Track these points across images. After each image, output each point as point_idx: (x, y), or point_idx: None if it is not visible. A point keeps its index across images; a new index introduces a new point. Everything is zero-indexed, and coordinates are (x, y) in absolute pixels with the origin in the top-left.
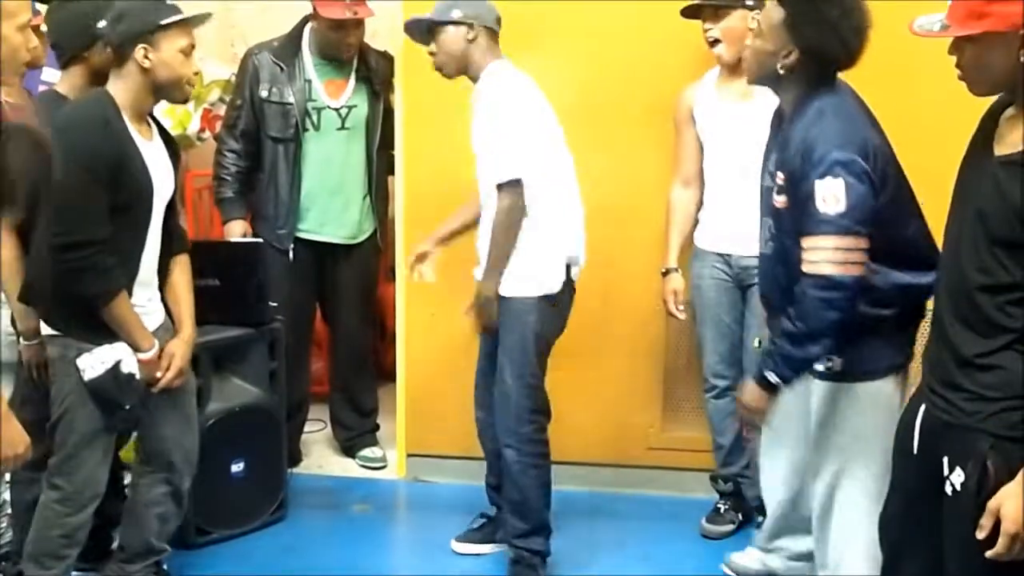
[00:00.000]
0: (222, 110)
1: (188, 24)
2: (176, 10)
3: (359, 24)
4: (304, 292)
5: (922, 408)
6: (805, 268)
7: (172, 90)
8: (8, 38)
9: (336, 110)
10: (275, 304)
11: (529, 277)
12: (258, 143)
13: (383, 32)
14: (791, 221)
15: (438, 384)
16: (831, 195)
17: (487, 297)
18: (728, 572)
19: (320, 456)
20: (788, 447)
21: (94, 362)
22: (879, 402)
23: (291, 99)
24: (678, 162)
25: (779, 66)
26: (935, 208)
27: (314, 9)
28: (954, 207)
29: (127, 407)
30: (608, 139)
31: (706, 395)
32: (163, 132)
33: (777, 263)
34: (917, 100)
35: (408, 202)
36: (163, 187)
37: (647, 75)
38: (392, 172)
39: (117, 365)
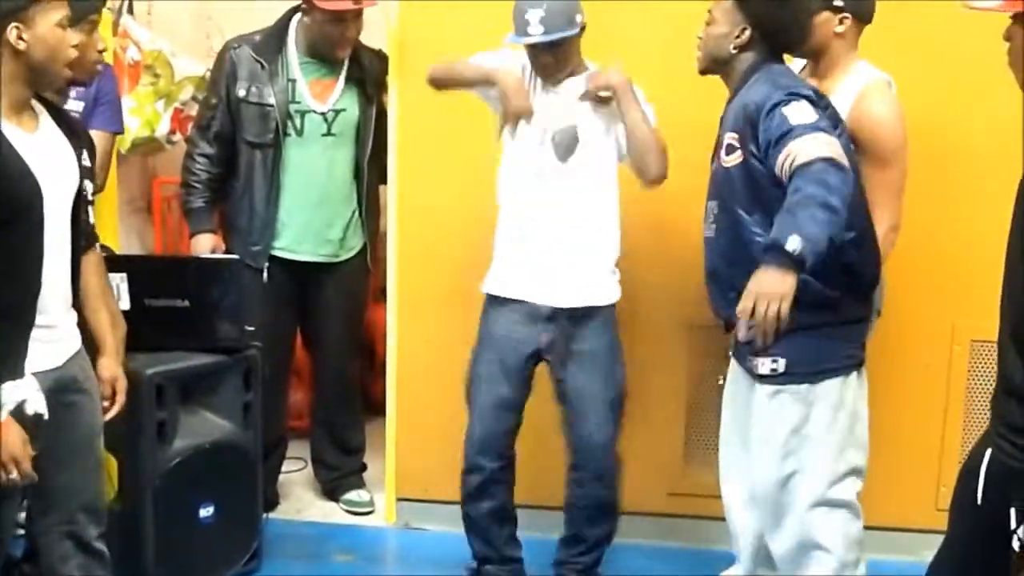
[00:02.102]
0: (195, 110)
1: None
2: None
3: (359, 15)
4: (282, 316)
5: (988, 453)
6: (800, 159)
7: (50, 73)
8: None
9: (322, 114)
10: (251, 329)
11: (615, 280)
12: (233, 147)
13: (374, 24)
14: (742, 179)
15: (433, 420)
16: (800, 111)
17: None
18: None
19: (299, 499)
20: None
21: (2, 402)
22: (829, 402)
23: (271, 100)
24: None
25: (731, 46)
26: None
27: (308, 3)
28: (1012, 236)
29: (33, 453)
30: None
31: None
32: (58, 114)
33: (723, 237)
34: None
35: (401, 215)
36: (60, 181)
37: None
38: (384, 181)
39: (21, 406)
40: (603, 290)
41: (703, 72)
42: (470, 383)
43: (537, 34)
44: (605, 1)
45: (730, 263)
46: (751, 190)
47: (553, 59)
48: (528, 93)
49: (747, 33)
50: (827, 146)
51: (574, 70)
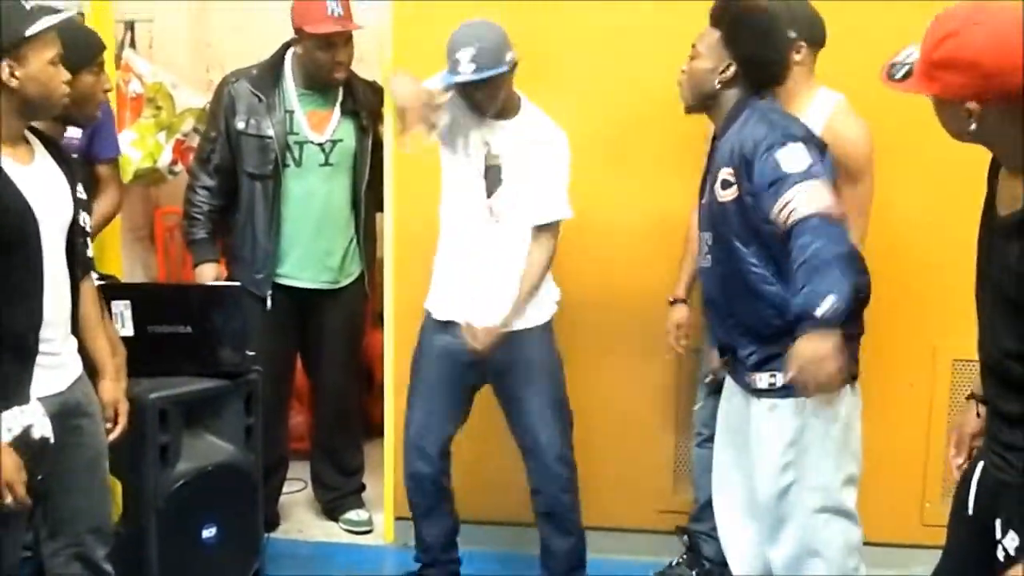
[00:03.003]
0: (196, 141)
1: (55, 30)
2: (44, 12)
3: (348, 41)
4: (283, 341)
5: (980, 465)
6: (793, 218)
7: (44, 108)
8: None
9: (319, 145)
10: (253, 354)
11: (549, 299)
12: (234, 179)
13: (370, 57)
14: (738, 213)
15: None
16: (793, 157)
17: (502, 334)
18: None
19: (300, 520)
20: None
21: (1, 429)
22: (825, 414)
23: (270, 132)
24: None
25: (716, 82)
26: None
27: (298, 32)
28: (978, 266)
29: (40, 477)
30: (631, 163)
31: (693, 444)
32: (51, 145)
33: (719, 267)
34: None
35: (398, 242)
36: (55, 212)
37: (673, 96)
38: (380, 210)
39: (27, 431)
40: (535, 312)
41: (689, 110)
42: (409, 393)
43: (467, 72)
44: None
45: (728, 293)
46: (746, 224)
47: (484, 96)
48: (424, 93)
49: (732, 69)
50: (821, 196)
51: (508, 109)
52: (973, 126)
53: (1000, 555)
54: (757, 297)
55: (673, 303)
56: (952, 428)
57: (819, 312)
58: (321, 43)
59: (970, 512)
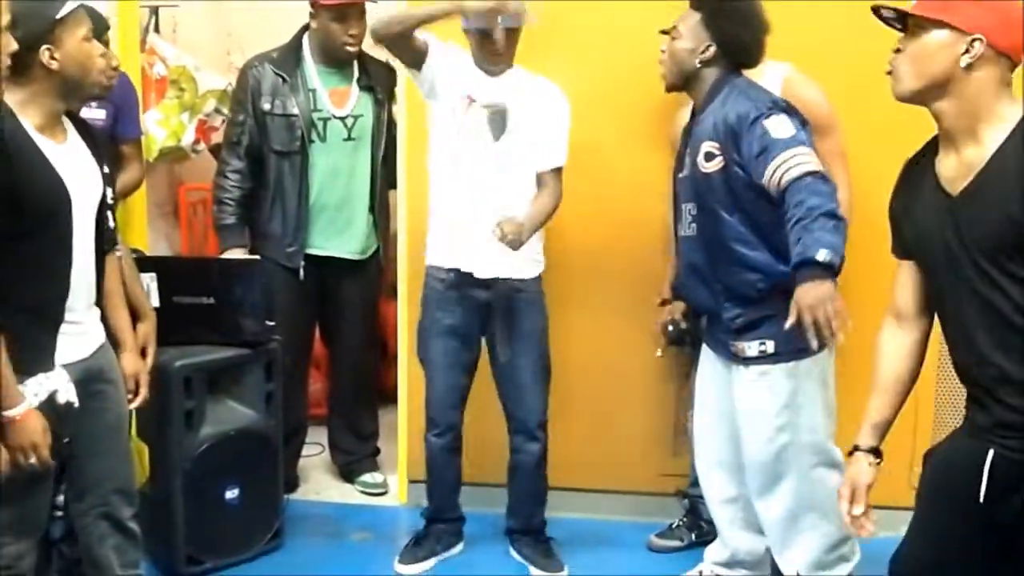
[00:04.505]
0: (218, 121)
1: (82, 7)
2: None
3: (361, 15)
4: (307, 312)
5: (991, 452)
6: (787, 178)
7: (83, 85)
8: None
9: (342, 119)
10: (272, 323)
11: (540, 257)
12: (260, 161)
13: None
14: (723, 183)
15: None
16: (780, 125)
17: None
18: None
19: (318, 482)
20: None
21: (27, 394)
22: (813, 375)
23: (295, 110)
24: None
25: (697, 61)
26: None
27: (313, 5)
28: (936, 258)
29: (66, 439)
30: (623, 138)
31: (690, 412)
32: (82, 126)
33: (704, 235)
34: None
35: (411, 217)
36: (86, 190)
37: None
38: (394, 186)
39: (53, 395)
40: (527, 267)
41: (669, 89)
42: (423, 345)
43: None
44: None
45: (713, 259)
46: (731, 193)
47: (511, 43)
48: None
49: (712, 49)
50: (810, 159)
51: (510, 62)
52: (966, 62)
53: None
54: (742, 262)
55: (663, 304)
56: (844, 483)
57: (819, 257)
58: (335, 15)
59: (980, 501)
